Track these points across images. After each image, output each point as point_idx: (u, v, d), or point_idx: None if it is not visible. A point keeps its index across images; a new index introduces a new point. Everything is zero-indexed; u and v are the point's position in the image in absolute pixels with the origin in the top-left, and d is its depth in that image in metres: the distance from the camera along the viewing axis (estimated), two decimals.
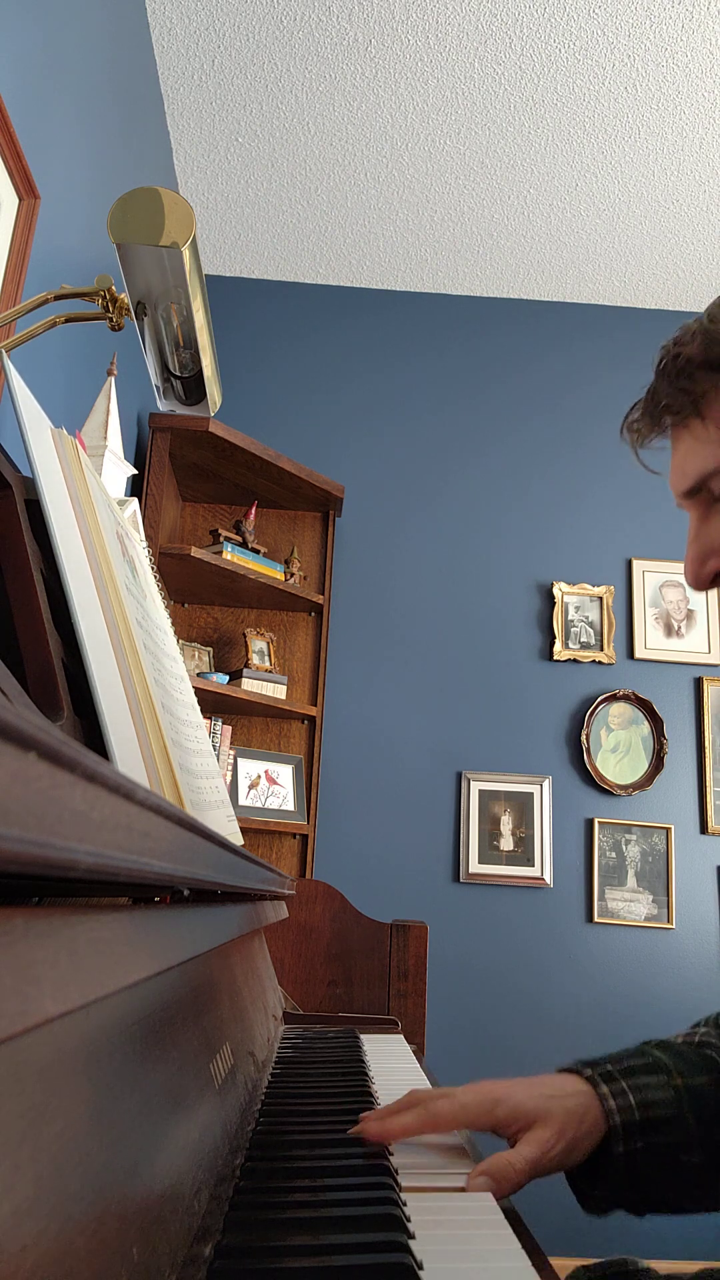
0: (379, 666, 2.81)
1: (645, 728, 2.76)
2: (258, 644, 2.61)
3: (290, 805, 2.55)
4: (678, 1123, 0.64)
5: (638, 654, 2.83)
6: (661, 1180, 0.64)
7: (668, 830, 2.68)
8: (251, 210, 2.85)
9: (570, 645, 2.82)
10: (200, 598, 2.72)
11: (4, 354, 0.76)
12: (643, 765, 2.74)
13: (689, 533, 0.71)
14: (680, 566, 2.91)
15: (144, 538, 1.82)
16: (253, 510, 2.70)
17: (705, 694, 2.79)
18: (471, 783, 2.70)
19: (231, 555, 2.51)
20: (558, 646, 2.81)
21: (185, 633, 2.74)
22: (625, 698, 2.77)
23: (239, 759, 2.52)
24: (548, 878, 2.64)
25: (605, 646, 2.81)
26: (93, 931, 0.28)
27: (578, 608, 2.86)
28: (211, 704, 2.45)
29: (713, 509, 0.68)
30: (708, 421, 0.66)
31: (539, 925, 2.62)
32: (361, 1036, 1.11)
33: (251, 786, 2.51)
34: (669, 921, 2.62)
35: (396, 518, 2.94)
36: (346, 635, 2.83)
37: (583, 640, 2.83)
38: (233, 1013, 0.70)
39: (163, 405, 1.17)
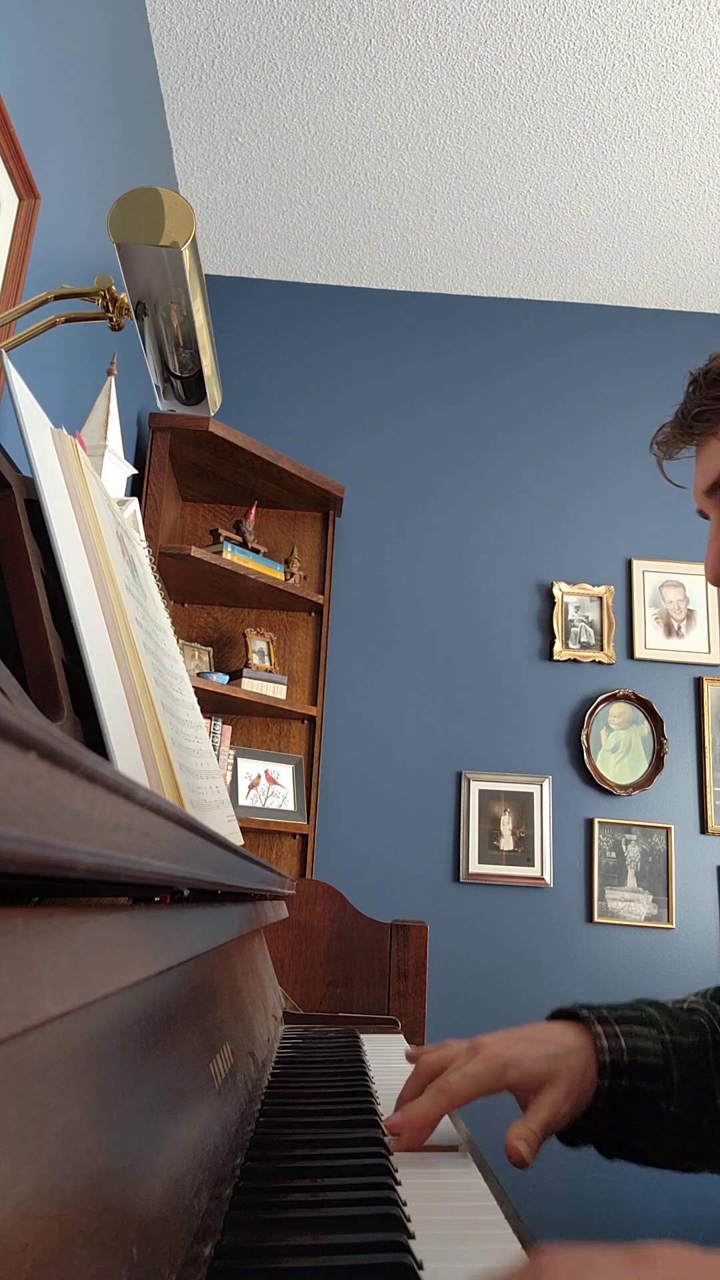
0: (379, 666, 2.81)
1: (645, 728, 2.76)
2: (258, 644, 2.61)
3: (290, 805, 2.55)
4: (663, 1072, 0.68)
5: (638, 654, 2.83)
6: (638, 1123, 0.68)
7: (668, 830, 2.68)
8: (251, 210, 2.85)
9: (570, 645, 2.82)
10: (200, 598, 2.72)
11: (4, 354, 0.76)
12: (643, 765, 2.74)
13: (710, 531, 0.77)
14: (680, 566, 2.92)
15: (144, 538, 1.82)
16: (253, 510, 2.70)
17: (705, 694, 2.79)
18: (471, 783, 2.70)
19: (231, 555, 2.51)
20: (558, 646, 2.81)
21: (185, 633, 2.74)
22: (625, 698, 2.77)
23: (239, 759, 2.52)
24: (548, 878, 2.64)
25: (605, 646, 2.81)
26: (93, 931, 0.28)
27: (578, 608, 2.86)
28: (211, 704, 2.45)
29: None
30: None
31: (539, 925, 2.62)
32: (361, 1036, 1.11)
33: (251, 786, 2.51)
34: (669, 921, 2.63)
35: (396, 517, 2.94)
36: (346, 635, 2.83)
37: (583, 640, 2.83)
38: (233, 1013, 0.70)
39: (163, 405, 1.17)
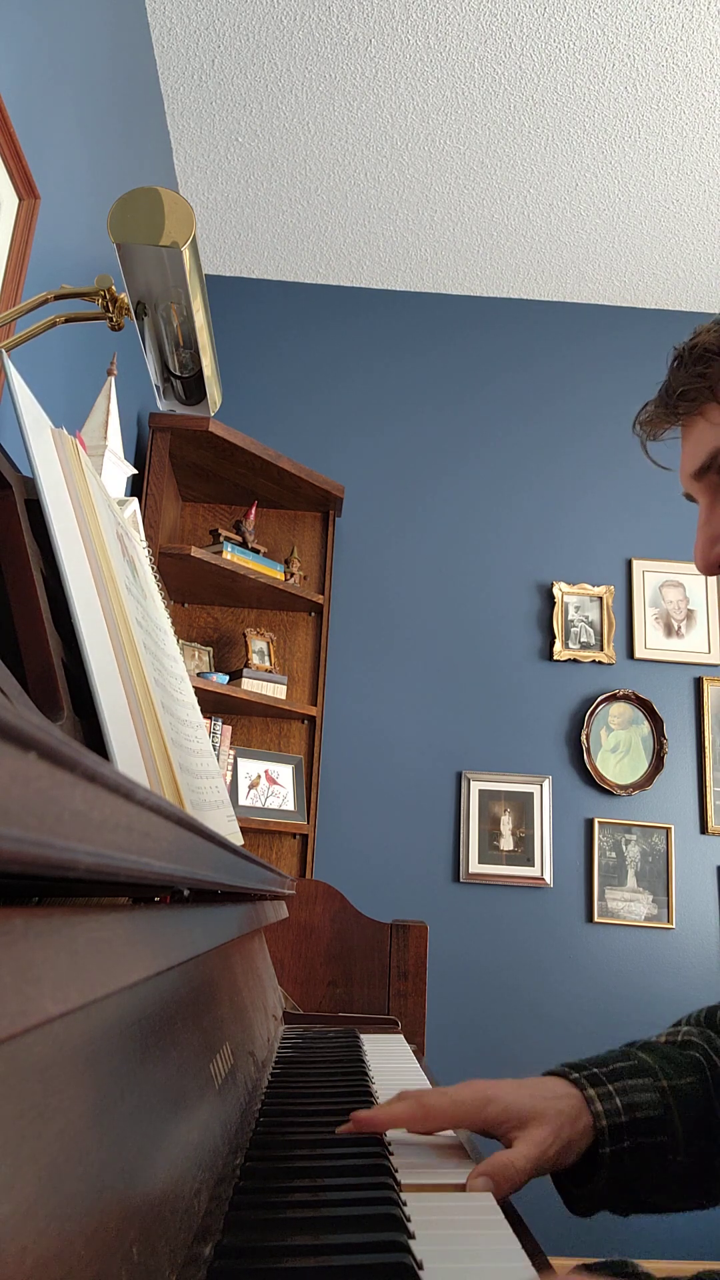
0: (379, 666, 2.81)
1: (645, 728, 2.76)
2: (258, 644, 2.61)
3: (290, 805, 2.55)
4: (664, 1124, 0.64)
5: (638, 654, 2.83)
6: (647, 1181, 0.64)
7: (668, 830, 2.68)
8: (251, 210, 2.85)
9: (570, 645, 2.82)
10: (200, 598, 2.72)
11: (4, 354, 0.76)
12: (643, 765, 2.74)
13: (700, 517, 0.72)
14: (680, 566, 2.92)
15: (144, 538, 1.82)
16: (253, 510, 2.70)
17: (705, 694, 2.79)
18: (471, 783, 2.70)
19: (231, 555, 2.51)
20: (558, 646, 2.81)
21: (185, 633, 2.74)
22: (625, 698, 2.77)
23: (239, 759, 2.52)
24: (548, 878, 2.64)
25: (605, 646, 2.81)
26: (93, 931, 0.28)
27: (578, 608, 2.86)
28: (211, 704, 2.45)
29: None
30: None
31: (539, 925, 2.62)
32: (361, 1036, 1.11)
33: (251, 786, 2.51)
34: (669, 921, 2.62)
35: (396, 517, 2.94)
36: (346, 635, 2.83)
37: (583, 640, 2.83)
38: (233, 1013, 0.70)
39: (163, 405, 1.17)
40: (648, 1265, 0.71)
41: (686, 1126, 0.64)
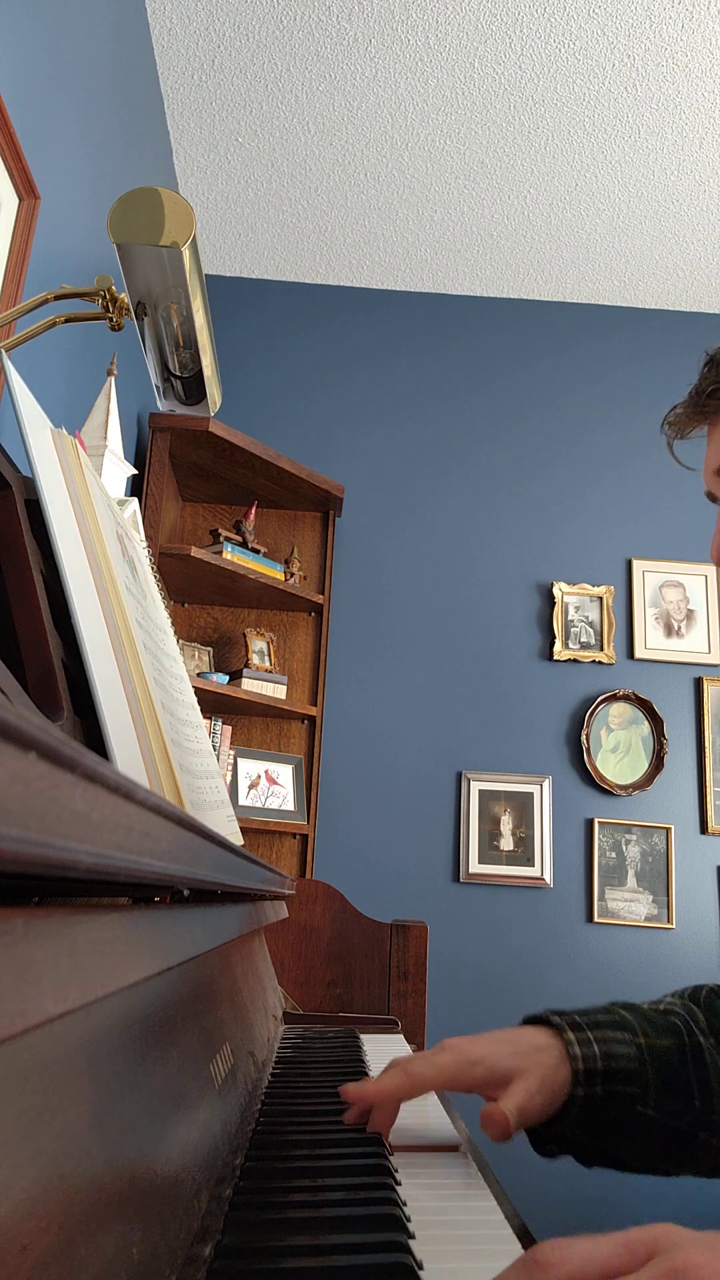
0: (379, 666, 2.81)
1: (645, 728, 2.76)
2: (258, 644, 2.61)
3: (290, 805, 2.55)
4: (638, 1076, 0.66)
5: (638, 654, 2.83)
6: (615, 1129, 0.66)
7: (668, 830, 2.68)
8: (251, 210, 2.85)
9: (570, 645, 2.82)
10: (200, 598, 2.72)
11: (4, 354, 0.76)
12: (643, 765, 2.74)
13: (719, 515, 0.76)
14: (680, 566, 2.92)
15: (144, 538, 1.82)
16: (253, 510, 2.70)
17: (705, 694, 2.79)
18: (471, 783, 2.70)
19: (231, 555, 2.51)
20: (558, 646, 2.81)
21: (185, 633, 2.74)
22: (625, 698, 2.77)
23: (239, 759, 2.52)
24: (548, 878, 2.64)
25: (605, 646, 2.81)
26: (93, 931, 0.28)
27: (578, 608, 2.86)
28: (211, 704, 2.45)
29: None
30: None
31: (539, 925, 2.62)
32: (361, 1036, 1.11)
33: (251, 786, 2.51)
34: (669, 921, 2.62)
35: (396, 517, 2.94)
36: (346, 635, 2.83)
37: (583, 640, 2.83)
38: (233, 1013, 0.70)
39: (163, 405, 1.17)
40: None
41: (658, 1083, 0.66)
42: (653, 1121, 0.66)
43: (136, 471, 1.87)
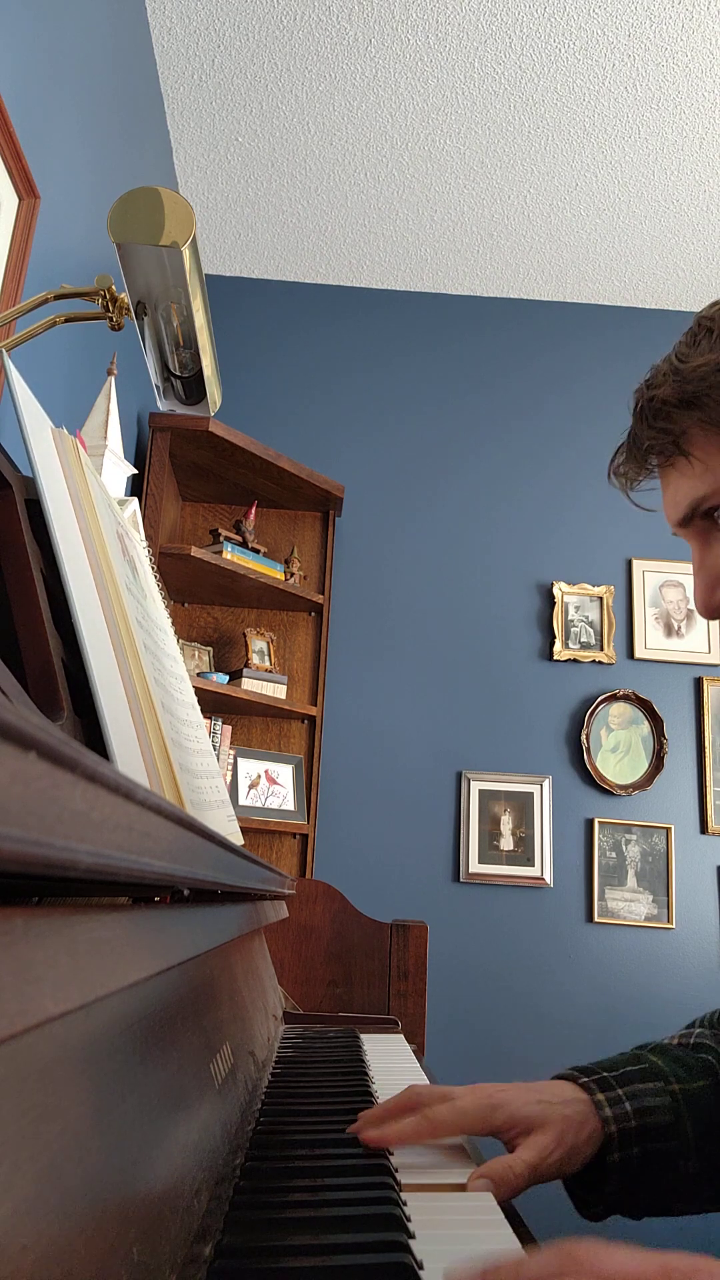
0: (379, 666, 2.81)
1: (645, 728, 2.76)
2: (258, 644, 2.61)
3: (290, 805, 2.55)
4: (675, 1129, 0.63)
5: (638, 654, 2.83)
6: (658, 1186, 0.63)
7: (668, 830, 2.68)
8: (251, 210, 2.85)
9: (570, 645, 2.82)
10: (200, 598, 2.72)
11: (4, 354, 0.76)
12: (643, 765, 2.74)
13: (693, 562, 0.71)
14: (680, 566, 2.92)
15: (144, 538, 1.82)
16: (253, 510, 2.70)
17: (705, 694, 2.79)
18: (471, 783, 2.70)
19: (231, 555, 2.51)
20: (558, 646, 2.81)
21: (185, 633, 2.74)
22: (625, 698, 2.77)
23: (239, 759, 2.52)
24: (548, 878, 2.64)
25: (605, 646, 2.81)
26: (93, 931, 0.28)
27: (578, 608, 2.86)
28: (211, 704, 2.45)
29: (711, 535, 0.68)
30: (692, 459, 0.66)
31: (539, 925, 2.62)
32: (361, 1036, 1.11)
33: (251, 786, 2.51)
34: (669, 921, 2.62)
35: (396, 517, 2.94)
36: (346, 635, 2.83)
37: (583, 640, 2.83)
38: (233, 1013, 0.70)
39: (163, 405, 1.17)
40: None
41: (697, 1131, 0.64)
42: (696, 1172, 0.63)
43: (136, 471, 1.87)
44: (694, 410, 0.65)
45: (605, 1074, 0.66)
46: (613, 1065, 0.67)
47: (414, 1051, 1.09)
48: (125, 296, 0.97)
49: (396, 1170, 0.56)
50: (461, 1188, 0.55)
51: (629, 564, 2.91)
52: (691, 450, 0.66)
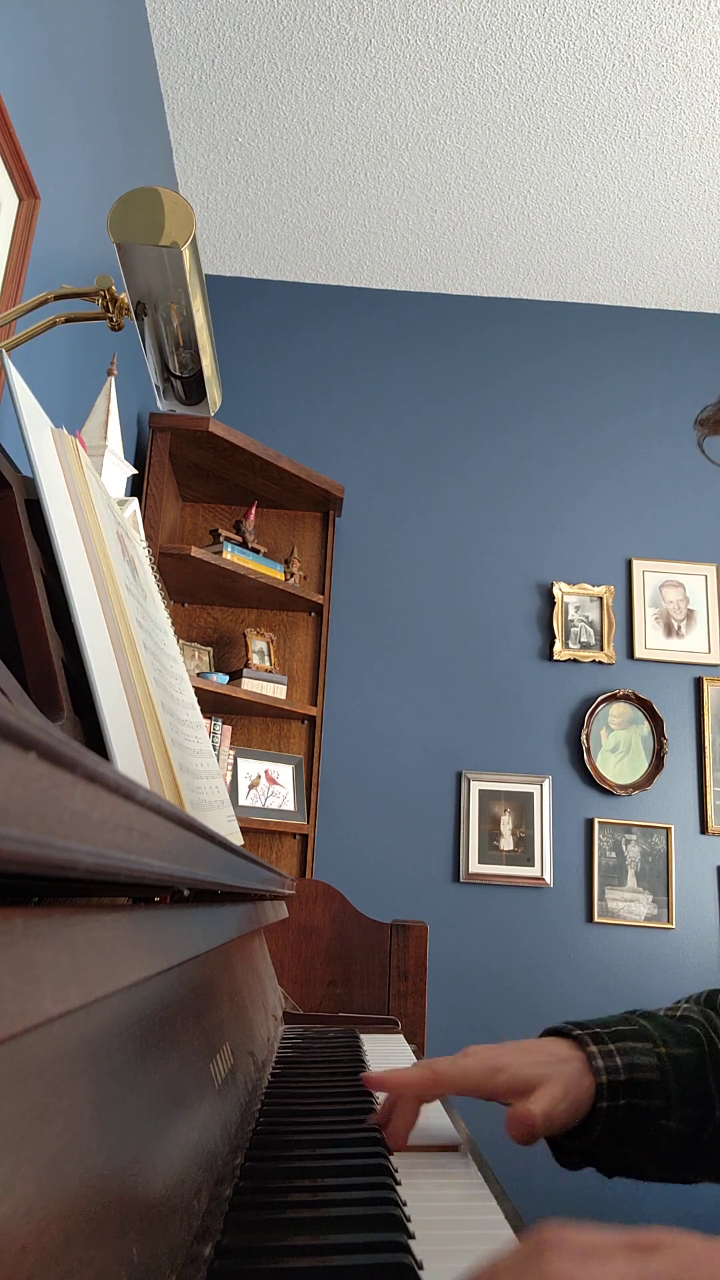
0: (379, 666, 2.81)
1: (645, 728, 2.76)
2: (258, 644, 2.61)
3: (290, 805, 2.55)
4: (660, 1088, 0.66)
5: (638, 654, 2.83)
6: (637, 1142, 0.66)
7: (668, 830, 2.68)
8: (251, 210, 2.85)
9: (570, 645, 2.82)
10: (200, 598, 2.72)
11: (4, 354, 0.76)
12: (643, 765, 2.74)
13: None
14: (680, 566, 2.92)
15: (144, 538, 1.82)
16: (253, 510, 2.70)
17: (705, 694, 2.79)
18: (471, 783, 2.70)
19: (231, 555, 2.51)
20: (558, 646, 2.81)
21: (185, 633, 2.74)
22: (625, 698, 2.77)
23: (239, 759, 2.52)
24: (548, 878, 2.64)
25: (605, 646, 2.81)
26: (93, 931, 0.28)
27: (578, 608, 2.86)
28: (211, 704, 2.45)
29: None
30: None
31: (539, 925, 2.62)
32: (361, 1036, 1.11)
33: (251, 786, 2.51)
34: (669, 921, 2.62)
35: (396, 517, 2.94)
36: (346, 635, 2.83)
37: (583, 640, 2.83)
38: (233, 1013, 0.70)
39: (163, 405, 1.17)
40: None
41: (680, 1094, 0.66)
42: (675, 1133, 0.65)
43: (136, 471, 1.87)
44: None
45: (598, 1029, 0.69)
46: (605, 1023, 0.70)
47: (414, 1052, 1.09)
48: (125, 296, 0.97)
49: (397, 1171, 0.56)
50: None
51: (629, 564, 2.91)
52: None
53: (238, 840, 0.93)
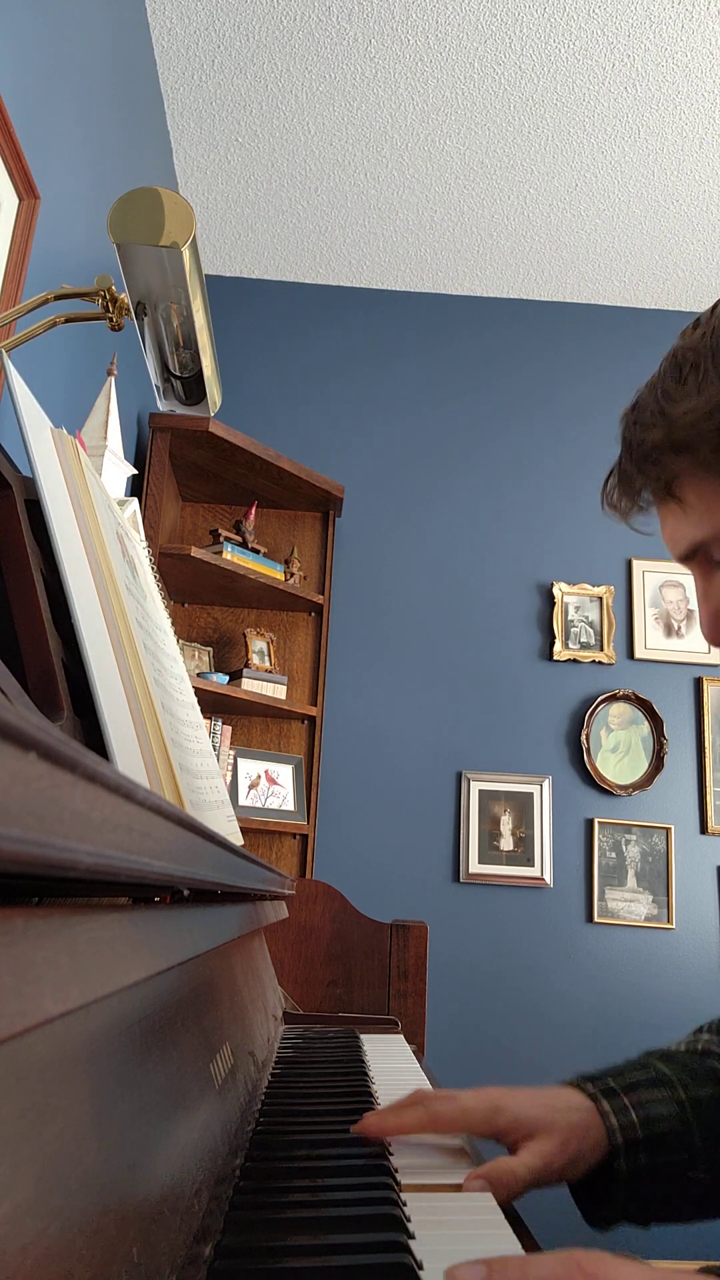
0: (379, 666, 2.81)
1: (645, 728, 2.76)
2: (258, 644, 2.61)
3: (290, 805, 2.55)
4: (682, 1138, 0.63)
5: (638, 654, 2.83)
6: (666, 1195, 0.63)
7: (668, 830, 2.68)
8: (251, 210, 2.85)
9: (570, 645, 2.82)
10: (200, 598, 2.72)
11: (4, 354, 0.76)
12: (643, 765, 2.74)
13: (697, 592, 0.69)
14: (680, 566, 2.91)
15: (144, 538, 1.82)
16: (253, 510, 2.70)
17: (705, 694, 2.79)
18: (471, 783, 2.70)
19: (231, 555, 2.51)
20: (558, 646, 2.81)
21: (185, 633, 2.74)
22: (625, 698, 2.77)
23: (239, 759, 2.52)
24: (548, 878, 2.64)
25: (605, 646, 2.81)
26: (93, 931, 0.28)
27: (578, 608, 2.86)
28: (211, 704, 2.45)
29: (714, 571, 0.66)
30: (685, 503, 0.63)
31: (539, 925, 2.62)
32: (361, 1036, 1.11)
33: (251, 786, 2.51)
34: (669, 921, 2.62)
35: (396, 517, 2.94)
36: (346, 635, 2.83)
37: (583, 640, 2.83)
38: (233, 1013, 0.70)
39: (163, 405, 1.17)
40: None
41: (705, 1140, 0.63)
42: (705, 1183, 0.63)
43: (136, 471, 1.87)
44: (685, 455, 0.62)
45: (611, 1082, 0.65)
46: (619, 1073, 0.66)
47: (414, 1052, 1.09)
48: (125, 297, 0.97)
49: (396, 1171, 0.56)
50: (460, 1188, 0.55)
51: (629, 564, 2.91)
52: (685, 496, 0.63)
53: (238, 840, 0.94)
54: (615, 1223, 0.65)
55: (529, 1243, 0.46)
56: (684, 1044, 0.72)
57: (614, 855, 2.67)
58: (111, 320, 0.97)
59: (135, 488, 2.40)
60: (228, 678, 2.52)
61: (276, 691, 2.56)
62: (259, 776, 2.54)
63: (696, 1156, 0.62)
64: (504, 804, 2.69)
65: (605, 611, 2.84)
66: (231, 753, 2.50)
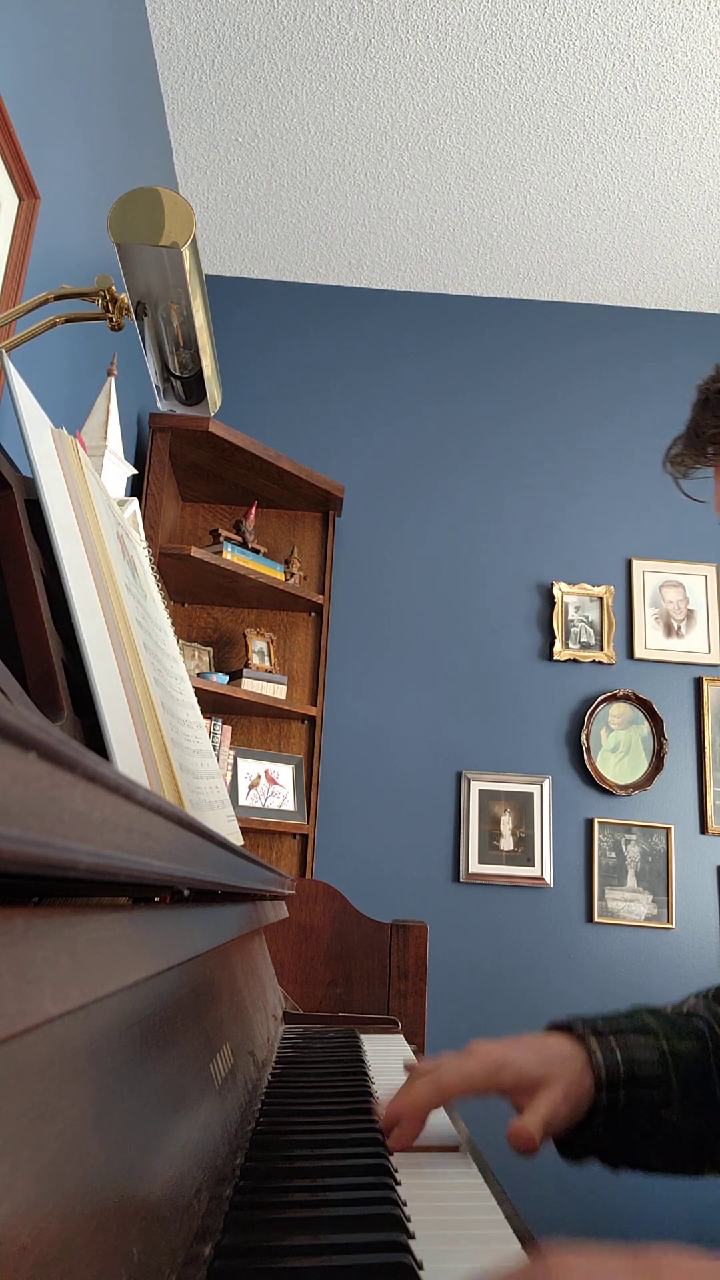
0: (379, 666, 2.81)
1: (645, 728, 2.76)
2: (258, 644, 2.61)
3: (290, 805, 2.55)
4: (661, 1081, 0.67)
5: (638, 654, 2.83)
6: (639, 1134, 0.67)
7: (668, 830, 2.68)
8: (251, 210, 2.85)
9: (570, 645, 2.82)
10: (200, 598, 2.72)
11: (4, 354, 0.76)
12: (643, 765, 2.74)
13: None
14: (680, 566, 2.92)
15: (144, 538, 1.82)
16: (253, 510, 2.70)
17: (705, 694, 2.79)
18: (471, 783, 2.70)
19: (231, 555, 2.51)
20: (558, 646, 2.81)
21: (185, 633, 2.74)
22: (625, 698, 2.77)
23: (239, 759, 2.52)
24: (548, 878, 2.64)
25: (605, 646, 2.81)
26: (93, 931, 0.28)
27: (578, 608, 2.86)
28: (211, 704, 2.45)
29: None
30: None
31: (539, 925, 2.62)
32: (361, 1036, 1.11)
33: (251, 786, 2.51)
34: (669, 921, 2.62)
35: (396, 517, 2.94)
36: (346, 635, 2.83)
37: (583, 640, 2.83)
38: (233, 1013, 0.70)
39: (163, 405, 1.17)
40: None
41: (682, 1085, 0.67)
42: (677, 1125, 0.66)
43: (136, 471, 1.87)
44: None
45: (601, 1024, 0.70)
46: (608, 1017, 0.71)
47: (414, 1052, 1.09)
48: (125, 297, 0.97)
49: (397, 1171, 0.56)
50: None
51: (629, 564, 2.91)
52: None
53: (238, 840, 0.94)
54: (587, 1155, 0.68)
55: (528, 1241, 0.46)
56: (673, 1005, 0.77)
57: (614, 855, 2.67)
58: (111, 320, 0.97)
59: (135, 488, 2.40)
60: (228, 678, 2.52)
61: (276, 691, 2.56)
62: (259, 776, 2.54)
63: (671, 1099, 0.66)
64: (504, 804, 2.69)
65: (605, 611, 2.84)
66: (231, 753, 2.50)
